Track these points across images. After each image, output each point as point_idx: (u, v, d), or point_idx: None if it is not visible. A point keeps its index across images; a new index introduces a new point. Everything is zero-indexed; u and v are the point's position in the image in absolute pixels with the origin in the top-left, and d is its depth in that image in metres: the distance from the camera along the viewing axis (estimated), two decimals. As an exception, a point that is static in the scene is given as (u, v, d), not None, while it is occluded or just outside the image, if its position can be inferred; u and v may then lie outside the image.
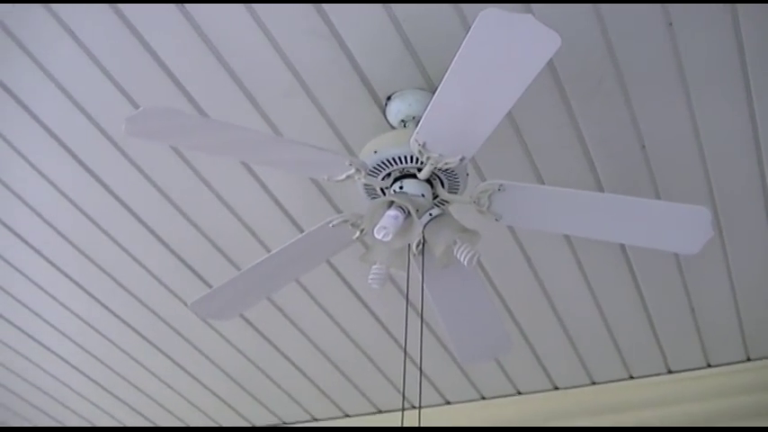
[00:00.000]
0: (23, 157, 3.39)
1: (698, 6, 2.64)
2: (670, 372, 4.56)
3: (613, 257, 3.74)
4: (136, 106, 3.08)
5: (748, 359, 4.42)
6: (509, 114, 3.01)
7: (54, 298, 4.31)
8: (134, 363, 4.87)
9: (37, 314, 4.47)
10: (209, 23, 2.80)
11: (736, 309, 4.03)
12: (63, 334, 4.63)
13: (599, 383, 4.71)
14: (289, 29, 2.80)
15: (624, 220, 2.73)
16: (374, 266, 2.81)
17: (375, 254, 2.78)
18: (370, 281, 2.81)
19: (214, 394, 5.12)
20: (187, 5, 2.73)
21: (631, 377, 4.64)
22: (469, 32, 2.08)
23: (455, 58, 2.17)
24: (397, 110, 2.98)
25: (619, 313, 4.13)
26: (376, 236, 2.48)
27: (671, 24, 2.71)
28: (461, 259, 2.64)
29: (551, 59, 2.16)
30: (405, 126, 2.96)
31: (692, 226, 2.70)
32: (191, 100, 3.08)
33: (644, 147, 3.16)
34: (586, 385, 4.73)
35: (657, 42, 2.78)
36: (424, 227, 2.72)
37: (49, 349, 4.79)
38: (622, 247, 3.68)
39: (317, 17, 2.74)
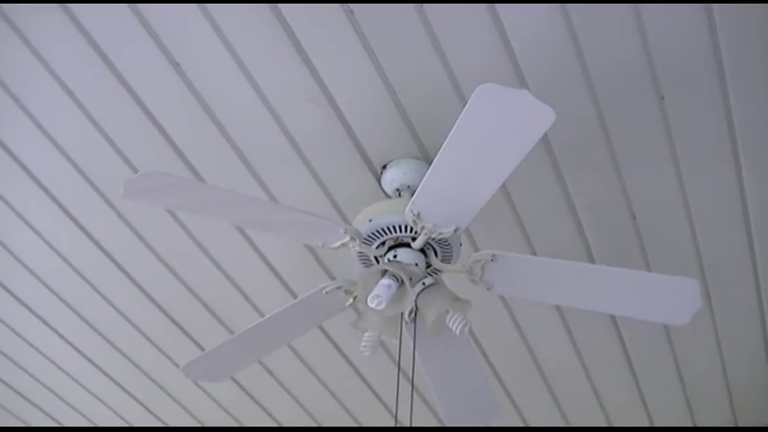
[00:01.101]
0: (18, 213, 3.40)
1: (689, 81, 2.71)
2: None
3: (603, 327, 3.75)
4: (133, 169, 3.11)
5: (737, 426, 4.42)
6: (502, 185, 3.03)
7: (40, 352, 4.29)
8: (121, 421, 4.84)
9: (23, 369, 4.45)
10: (208, 88, 2.85)
11: (725, 378, 4.04)
12: (47, 387, 4.60)
13: (588, 452, 4.69)
14: (286, 95, 2.84)
15: (614, 291, 2.74)
16: (366, 333, 2.80)
17: (367, 321, 2.78)
18: (361, 348, 2.80)
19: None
20: (185, 69, 2.77)
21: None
22: (466, 106, 2.12)
23: (452, 130, 2.20)
24: (392, 178, 3.01)
25: (608, 382, 4.13)
26: (369, 304, 2.47)
27: (663, 98, 2.76)
28: (453, 328, 2.64)
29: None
30: (399, 195, 2.98)
31: (682, 297, 2.70)
32: (188, 165, 3.11)
33: (634, 218, 3.19)
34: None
35: (649, 115, 2.83)
36: (417, 296, 2.72)
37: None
38: (612, 317, 3.70)
39: (313, 84, 2.78)
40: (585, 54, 2.63)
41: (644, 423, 4.39)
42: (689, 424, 4.37)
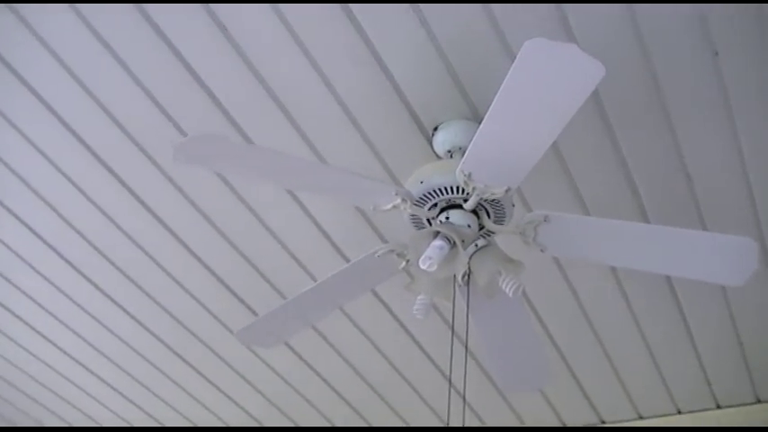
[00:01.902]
0: (70, 179, 3.44)
1: (743, 36, 2.64)
2: (719, 407, 4.50)
3: (659, 289, 3.71)
4: (182, 132, 3.13)
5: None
6: (554, 144, 3.00)
7: (95, 319, 4.37)
8: (176, 387, 4.92)
9: (86, 339, 4.53)
10: (256, 52, 2.84)
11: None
12: (100, 351, 4.67)
13: (645, 417, 4.66)
14: (336, 58, 2.83)
15: (669, 251, 2.71)
16: (419, 296, 2.80)
17: (420, 284, 2.78)
18: (414, 311, 2.80)
19: (251, 416, 5.13)
20: (232, 32, 2.77)
21: (679, 412, 4.58)
22: (515, 62, 2.09)
23: (500, 89, 2.17)
24: (443, 140, 2.99)
25: (665, 346, 4.09)
26: (421, 266, 2.47)
27: (717, 54, 2.70)
28: (506, 290, 2.63)
29: (595, 87, 2.15)
30: (451, 156, 2.96)
31: (738, 257, 2.67)
32: (237, 128, 3.11)
33: (689, 177, 3.14)
34: (633, 420, 4.68)
35: (702, 71, 2.77)
36: (470, 257, 2.71)
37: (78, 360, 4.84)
38: (668, 278, 3.65)
39: (362, 45, 2.76)
40: (636, 8, 2.58)
41: (702, 387, 4.33)
42: (748, 387, 4.30)
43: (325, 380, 4.64)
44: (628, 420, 4.68)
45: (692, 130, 2.99)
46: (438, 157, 3.04)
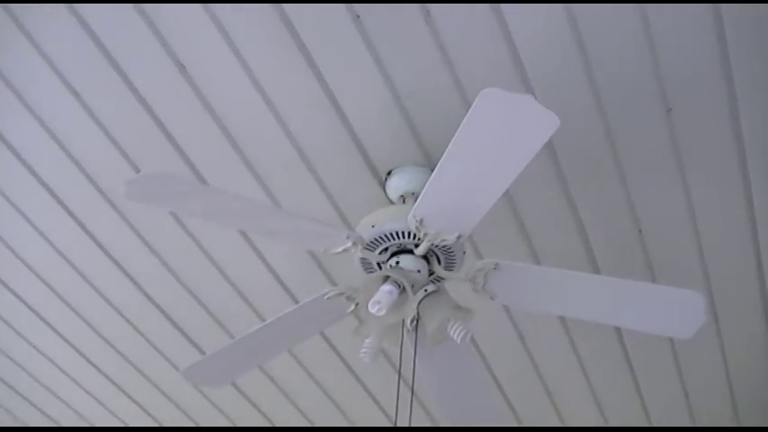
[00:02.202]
0: (22, 214, 3.39)
1: (697, 93, 2.68)
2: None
3: (608, 339, 3.72)
4: (137, 170, 3.10)
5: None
6: (506, 193, 3.03)
7: (42, 353, 4.28)
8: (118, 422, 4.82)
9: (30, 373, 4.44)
10: (214, 92, 2.84)
11: (731, 392, 4.00)
12: (46, 388, 4.59)
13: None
14: (291, 100, 2.83)
15: (619, 302, 2.71)
16: (367, 340, 2.78)
17: (368, 328, 2.75)
18: (362, 354, 2.78)
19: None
20: (191, 72, 2.76)
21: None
22: (470, 111, 2.09)
23: (455, 136, 2.18)
24: (396, 185, 3.00)
25: (612, 395, 4.10)
26: (370, 310, 2.44)
27: (670, 110, 2.74)
28: (454, 337, 2.61)
29: (550, 140, 2.16)
30: (404, 202, 2.96)
31: (687, 311, 2.68)
32: (191, 166, 3.10)
33: (640, 230, 3.16)
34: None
35: (656, 127, 2.80)
36: (419, 303, 2.69)
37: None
38: (617, 328, 3.66)
39: (318, 90, 2.76)
40: (592, 62, 2.61)
41: (647, 436, 4.36)
42: (692, 437, 4.34)
43: (269, 420, 4.58)
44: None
45: (645, 185, 3.02)
46: (391, 202, 3.04)
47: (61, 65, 2.79)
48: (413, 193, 2.95)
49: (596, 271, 3.35)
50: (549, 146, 2.88)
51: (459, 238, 2.54)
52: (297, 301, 3.55)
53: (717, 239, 3.21)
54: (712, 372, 3.87)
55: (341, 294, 2.83)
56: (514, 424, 4.34)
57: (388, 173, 3.02)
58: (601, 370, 3.93)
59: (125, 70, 2.78)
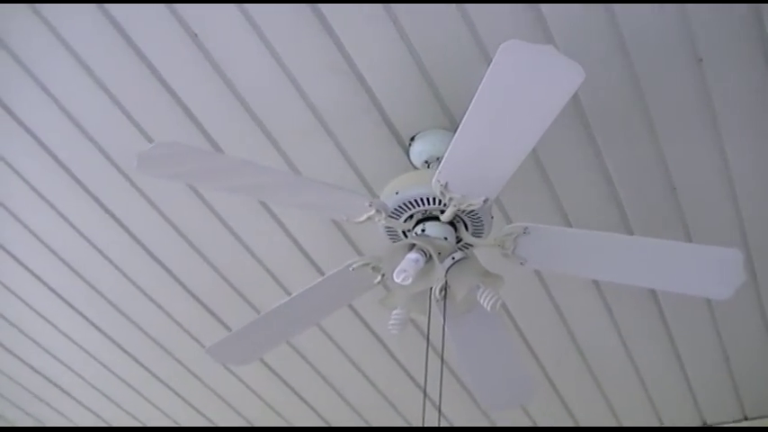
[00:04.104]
0: (38, 192, 3.35)
1: (728, 42, 2.58)
2: (705, 424, 4.43)
3: (644, 302, 3.64)
4: (151, 141, 3.03)
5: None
6: (533, 153, 2.96)
7: (68, 337, 4.26)
8: (149, 405, 4.81)
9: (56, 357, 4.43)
10: (227, 59, 2.77)
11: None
12: (76, 373, 4.59)
13: (628, 432, 4.60)
14: (309, 65, 2.75)
15: (654, 264, 2.64)
16: (394, 311, 2.72)
17: (395, 298, 2.70)
18: (390, 326, 2.72)
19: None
20: (203, 40, 2.69)
21: (664, 427, 4.50)
22: (490, 66, 2.01)
23: (476, 95, 2.09)
24: (420, 150, 2.93)
25: (650, 361, 4.02)
26: (396, 279, 2.40)
27: (701, 60, 2.64)
28: (484, 304, 2.55)
29: (576, 94, 2.07)
30: (428, 167, 2.89)
31: (725, 270, 2.60)
32: (207, 137, 3.03)
33: (674, 188, 3.07)
34: (616, 434, 4.62)
35: (686, 79, 2.71)
36: (447, 271, 2.63)
37: (55, 384, 4.75)
38: (653, 291, 3.58)
39: (335, 52, 2.68)
40: (617, 12, 2.51)
41: (688, 403, 4.27)
42: (735, 404, 4.24)
43: (300, 396, 4.54)
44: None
45: (677, 141, 2.93)
46: (415, 167, 2.97)
47: (72, 40, 2.73)
48: (438, 158, 2.87)
49: (629, 232, 3.26)
50: (575, 99, 2.78)
51: (485, 201, 2.47)
52: (322, 273, 3.49)
53: (753, 195, 3.11)
54: (752, 332, 3.78)
55: (367, 265, 2.77)
56: (550, 392, 4.27)
57: (412, 138, 2.95)
58: (638, 333, 3.85)
59: (135, 41, 2.71)
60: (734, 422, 4.36)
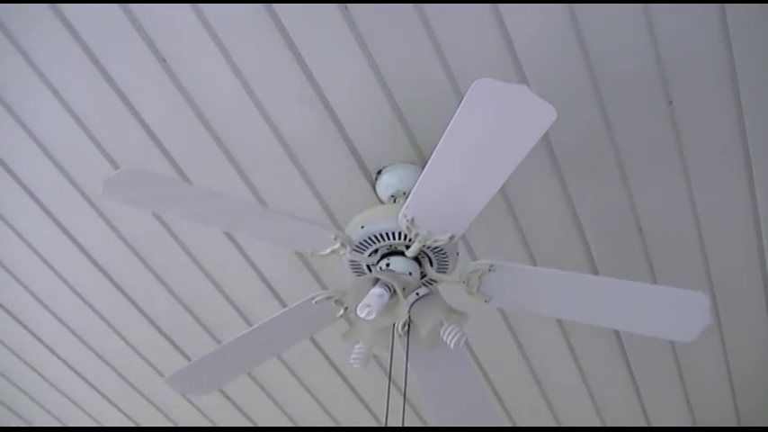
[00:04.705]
0: (2, 217, 3.30)
1: (699, 84, 2.60)
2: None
3: (606, 343, 3.65)
4: (117, 168, 2.99)
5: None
6: (501, 190, 2.95)
7: (23, 361, 4.19)
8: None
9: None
10: (196, 86, 2.74)
11: (733, 397, 3.93)
12: (31, 398, 4.51)
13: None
14: (278, 95, 2.74)
15: (618, 304, 2.62)
16: (357, 345, 2.69)
17: (358, 332, 2.66)
18: (352, 360, 2.69)
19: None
20: (172, 66, 2.67)
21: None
22: (462, 103, 2.00)
23: (446, 131, 2.08)
24: (387, 184, 2.91)
25: (611, 401, 4.02)
26: (359, 314, 2.36)
27: (671, 103, 2.65)
28: (448, 341, 2.52)
29: (546, 133, 2.07)
30: (395, 201, 2.87)
31: (690, 312, 2.59)
32: (173, 164, 3.00)
33: (641, 229, 3.08)
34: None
35: (657, 120, 2.72)
36: (411, 306, 2.60)
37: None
38: (616, 331, 3.58)
39: (306, 84, 2.67)
40: (591, 54, 2.53)
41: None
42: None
43: (259, 427, 4.49)
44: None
45: (645, 181, 2.94)
46: (381, 201, 2.96)
47: (41, 63, 2.71)
48: (404, 193, 2.87)
49: (595, 272, 3.27)
50: (546, 140, 2.79)
51: (451, 238, 2.45)
52: (285, 305, 3.47)
53: (720, 239, 3.13)
54: (714, 374, 3.80)
55: (330, 298, 2.74)
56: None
57: (379, 171, 2.94)
58: (599, 373, 3.84)
59: (104, 65, 2.69)
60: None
